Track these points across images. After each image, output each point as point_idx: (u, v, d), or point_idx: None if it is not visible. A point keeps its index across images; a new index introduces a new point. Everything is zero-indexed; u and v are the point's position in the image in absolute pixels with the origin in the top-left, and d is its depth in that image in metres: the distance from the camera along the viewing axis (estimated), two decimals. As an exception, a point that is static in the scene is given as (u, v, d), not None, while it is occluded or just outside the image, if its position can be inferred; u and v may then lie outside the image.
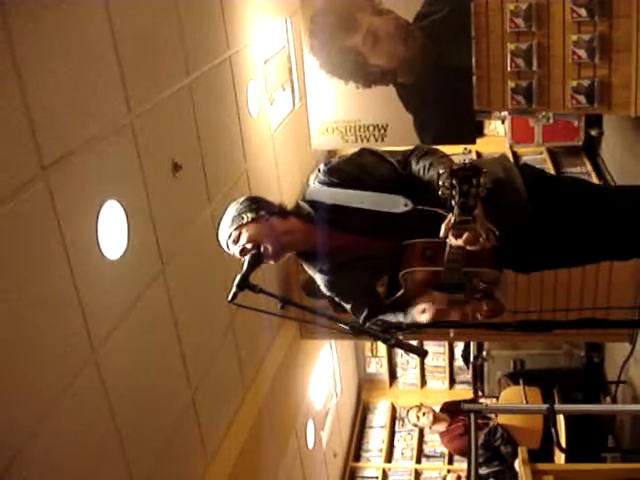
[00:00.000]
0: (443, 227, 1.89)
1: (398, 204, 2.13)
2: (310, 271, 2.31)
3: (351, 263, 2.22)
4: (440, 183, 1.73)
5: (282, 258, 2.19)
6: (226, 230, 2.13)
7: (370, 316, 2.31)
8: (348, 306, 2.33)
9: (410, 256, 2.16)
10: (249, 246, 2.07)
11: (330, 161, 2.24)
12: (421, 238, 2.13)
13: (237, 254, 2.10)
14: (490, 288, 2.15)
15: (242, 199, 2.20)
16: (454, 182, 1.72)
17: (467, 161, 1.75)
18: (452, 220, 1.85)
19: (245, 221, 2.11)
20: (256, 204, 2.18)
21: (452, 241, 1.90)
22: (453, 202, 1.78)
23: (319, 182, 2.20)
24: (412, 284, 2.18)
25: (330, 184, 2.18)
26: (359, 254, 2.20)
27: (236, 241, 2.10)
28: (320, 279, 2.31)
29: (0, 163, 2.08)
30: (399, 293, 2.19)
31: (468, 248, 1.92)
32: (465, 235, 1.87)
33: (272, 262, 2.15)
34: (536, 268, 2.55)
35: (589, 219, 2.25)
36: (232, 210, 2.16)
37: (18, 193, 2.15)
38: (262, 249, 2.08)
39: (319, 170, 2.21)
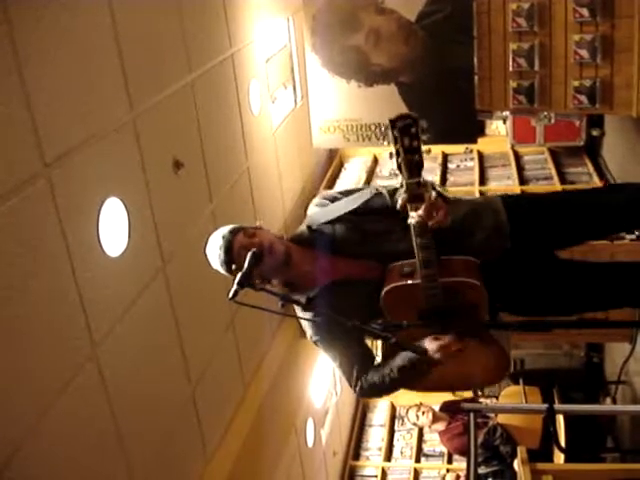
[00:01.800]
0: (400, 200, 1.89)
1: (367, 191, 2.21)
2: (300, 314, 2.24)
3: (343, 294, 2.19)
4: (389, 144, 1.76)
5: (276, 271, 2.17)
6: (231, 236, 2.13)
7: (361, 374, 2.30)
8: (336, 363, 2.33)
9: (389, 276, 2.15)
10: (266, 243, 2.10)
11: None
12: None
13: (247, 246, 2.08)
14: (477, 311, 2.10)
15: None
16: (395, 134, 1.72)
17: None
18: (405, 188, 1.84)
19: (257, 224, 2.20)
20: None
21: (412, 216, 1.89)
22: (399, 161, 1.77)
23: (314, 205, 2.32)
24: (394, 309, 2.13)
25: (322, 205, 2.29)
26: (350, 280, 2.21)
27: (251, 235, 2.12)
28: (309, 324, 2.29)
29: (2, 160, 2.07)
30: (392, 340, 1.95)
31: (430, 224, 1.90)
32: (423, 206, 1.86)
33: (271, 263, 2.12)
34: (530, 311, 2.35)
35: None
36: (228, 227, 2.18)
37: (20, 190, 2.15)
38: (273, 248, 2.11)
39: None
